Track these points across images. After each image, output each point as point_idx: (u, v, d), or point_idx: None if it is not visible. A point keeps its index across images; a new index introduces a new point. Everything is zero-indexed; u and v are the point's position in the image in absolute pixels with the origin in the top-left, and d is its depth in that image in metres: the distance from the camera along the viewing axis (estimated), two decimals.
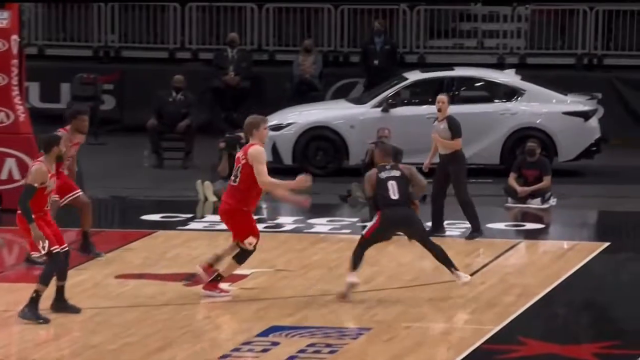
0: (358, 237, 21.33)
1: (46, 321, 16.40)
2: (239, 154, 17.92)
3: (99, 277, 18.65)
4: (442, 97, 21.85)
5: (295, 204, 18.98)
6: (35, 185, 16.46)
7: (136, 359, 15.14)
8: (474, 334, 16.49)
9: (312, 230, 22.10)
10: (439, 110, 21.61)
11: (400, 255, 20.17)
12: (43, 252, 16.54)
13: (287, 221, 22.96)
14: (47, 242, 16.36)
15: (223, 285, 18.06)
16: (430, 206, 21.39)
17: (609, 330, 17.15)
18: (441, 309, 17.76)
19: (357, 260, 18.00)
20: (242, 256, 17.90)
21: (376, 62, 29.52)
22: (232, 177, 17.83)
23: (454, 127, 21.34)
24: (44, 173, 16.56)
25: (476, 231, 21.28)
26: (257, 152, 17.72)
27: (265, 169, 17.62)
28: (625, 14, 30.54)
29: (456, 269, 18.07)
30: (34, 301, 16.42)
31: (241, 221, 17.77)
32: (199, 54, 31.57)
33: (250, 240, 17.85)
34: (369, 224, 18.52)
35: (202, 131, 28.00)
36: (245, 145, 17.96)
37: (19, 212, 16.59)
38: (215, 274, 17.93)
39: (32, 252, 17.65)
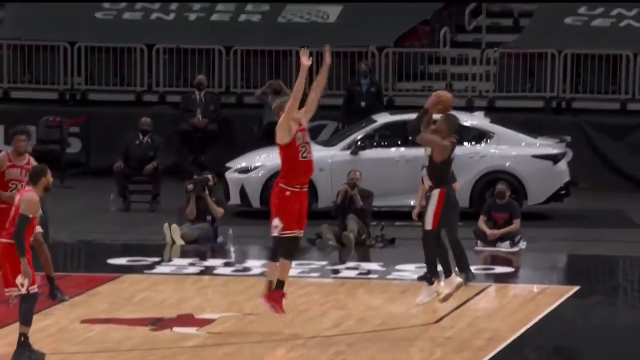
0: (326, 280, 21.44)
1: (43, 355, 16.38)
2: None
3: (65, 322, 18.57)
4: None
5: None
6: (30, 215, 16.37)
7: None
8: None
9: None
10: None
11: (369, 300, 20.15)
12: (22, 290, 16.38)
13: (255, 264, 22.90)
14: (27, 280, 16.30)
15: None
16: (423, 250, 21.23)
17: None
18: (410, 353, 17.74)
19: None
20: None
21: (363, 103, 29.51)
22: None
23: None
24: (37, 203, 16.46)
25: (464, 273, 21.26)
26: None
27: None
28: (594, 57, 30.65)
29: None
30: (24, 344, 16.32)
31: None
32: (166, 97, 31.58)
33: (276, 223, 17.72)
34: (428, 213, 18.36)
35: (169, 174, 28.01)
36: None
37: (5, 241, 16.48)
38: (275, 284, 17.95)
39: (7, 289, 17.33)
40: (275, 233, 17.77)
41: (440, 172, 18.46)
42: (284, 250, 17.95)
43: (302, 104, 17.99)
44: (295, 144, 17.87)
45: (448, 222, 18.48)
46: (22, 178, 19.72)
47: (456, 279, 18.42)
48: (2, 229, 18.71)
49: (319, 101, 18.22)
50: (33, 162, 19.74)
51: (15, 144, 19.72)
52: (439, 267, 18.59)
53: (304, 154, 17.88)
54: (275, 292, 18.01)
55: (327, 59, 18.38)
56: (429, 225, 18.29)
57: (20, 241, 16.25)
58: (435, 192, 18.32)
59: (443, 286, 18.46)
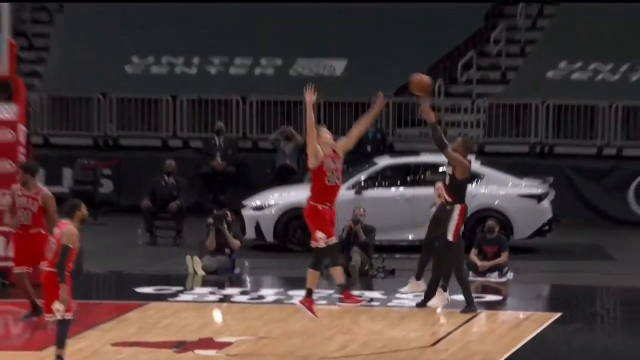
0: (333, 307, 21.31)
1: None
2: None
3: (97, 345, 18.47)
4: (441, 185, 21.87)
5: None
6: (71, 246, 16.26)
7: None
8: None
9: (292, 301, 21.91)
10: (438, 195, 21.54)
11: (372, 325, 20.04)
12: (57, 315, 16.31)
13: (269, 293, 22.82)
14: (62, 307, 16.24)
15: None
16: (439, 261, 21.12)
17: None
18: None
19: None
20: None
21: (369, 148, 29.41)
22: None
23: None
24: (77, 235, 16.37)
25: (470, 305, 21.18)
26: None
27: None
28: (573, 107, 30.59)
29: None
30: None
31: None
32: (189, 142, 31.54)
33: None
34: (450, 227, 18.15)
35: (191, 212, 27.91)
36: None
37: (47, 270, 16.35)
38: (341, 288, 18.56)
39: (47, 314, 17.19)
40: (322, 244, 18.07)
41: (460, 189, 18.55)
42: (331, 258, 18.45)
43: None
44: (323, 169, 18.05)
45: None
46: (30, 206, 19.82)
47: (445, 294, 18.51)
48: (21, 254, 18.81)
49: (359, 136, 18.61)
50: (45, 192, 19.78)
51: (20, 177, 20.02)
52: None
53: (330, 179, 18.10)
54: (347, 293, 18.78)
55: (379, 103, 18.84)
56: (450, 237, 18.32)
57: (61, 270, 16.17)
58: (457, 207, 18.42)
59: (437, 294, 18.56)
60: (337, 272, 18.58)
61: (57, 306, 16.27)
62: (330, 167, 18.09)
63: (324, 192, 18.15)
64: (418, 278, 20.82)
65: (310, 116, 17.99)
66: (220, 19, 33.28)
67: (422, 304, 20.99)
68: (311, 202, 18.14)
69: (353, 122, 30.34)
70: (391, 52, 32.22)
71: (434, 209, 21.50)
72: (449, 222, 18.46)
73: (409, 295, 21.74)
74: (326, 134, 18.34)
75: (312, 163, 18.07)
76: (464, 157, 18.73)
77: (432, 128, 19.00)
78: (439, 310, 20.57)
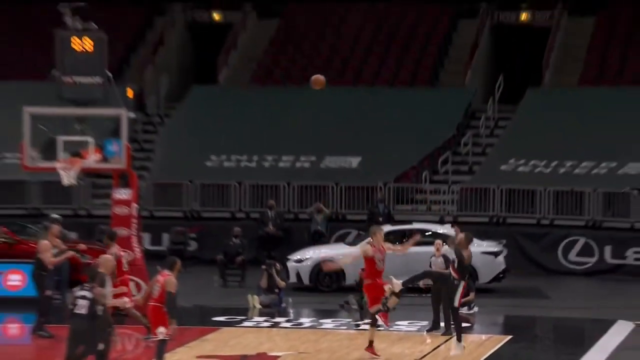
0: (351, 331, 21.22)
1: None
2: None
3: (185, 358, 18.43)
4: (439, 242, 22.00)
5: None
6: (173, 292, 16.11)
7: None
8: None
9: (322, 327, 21.91)
10: (437, 249, 21.58)
11: (378, 344, 19.83)
12: (160, 337, 16.14)
13: (305, 321, 22.75)
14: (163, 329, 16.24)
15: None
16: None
17: None
18: None
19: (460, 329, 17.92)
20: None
21: (381, 219, 29.11)
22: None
23: (448, 261, 21.22)
24: (175, 283, 16.24)
25: (436, 329, 21.01)
26: (362, 248, 18.67)
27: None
28: (519, 191, 30.45)
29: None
30: None
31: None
32: (250, 214, 31.51)
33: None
34: (457, 295, 18.15)
35: (251, 263, 27.81)
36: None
37: (153, 304, 16.20)
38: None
39: (153, 335, 16.98)
40: (374, 310, 18.53)
41: (465, 270, 18.40)
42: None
43: None
44: (374, 260, 18.51)
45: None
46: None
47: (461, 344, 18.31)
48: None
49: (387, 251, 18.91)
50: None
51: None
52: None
53: (379, 266, 18.55)
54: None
55: (409, 244, 19.70)
56: (456, 303, 18.20)
57: (173, 309, 16.12)
58: (462, 283, 18.23)
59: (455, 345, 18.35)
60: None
61: (161, 330, 16.28)
62: (378, 258, 18.53)
63: (374, 274, 18.53)
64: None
65: (344, 261, 19.11)
66: (270, 128, 33.47)
67: (430, 330, 20.87)
68: (369, 279, 18.57)
69: (364, 200, 30.86)
70: (391, 151, 32.22)
71: (433, 259, 21.45)
72: (455, 293, 18.33)
73: (405, 322, 21.64)
74: (380, 234, 18.83)
75: (364, 255, 18.53)
76: (466, 248, 18.65)
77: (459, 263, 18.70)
78: (428, 340, 20.27)
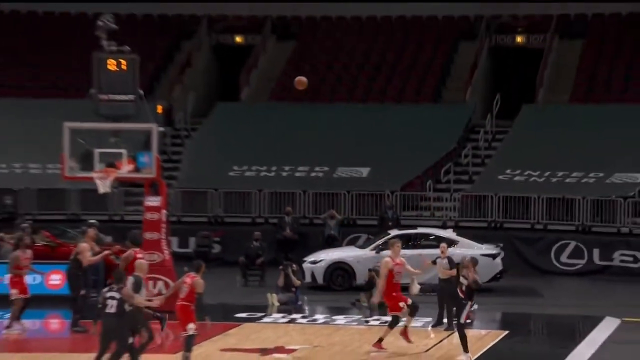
0: (361, 327, 21.21)
1: None
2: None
3: (210, 351, 18.49)
4: (444, 245, 21.95)
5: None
6: (201, 292, 16.32)
7: None
8: None
9: (334, 322, 21.92)
10: (442, 252, 21.50)
11: (387, 338, 19.89)
12: (190, 332, 16.34)
13: (319, 317, 22.74)
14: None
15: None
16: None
17: None
18: None
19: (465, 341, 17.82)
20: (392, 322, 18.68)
21: (390, 224, 29.10)
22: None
23: (452, 262, 21.24)
24: (202, 283, 16.41)
25: (440, 324, 21.00)
26: (384, 261, 18.87)
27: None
28: (515, 198, 30.37)
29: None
30: None
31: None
32: (269, 220, 31.52)
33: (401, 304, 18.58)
34: (463, 313, 18.10)
35: (270, 264, 27.84)
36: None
37: (181, 303, 16.29)
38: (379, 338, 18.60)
39: (182, 332, 17.03)
40: (397, 312, 18.70)
41: (473, 293, 18.33)
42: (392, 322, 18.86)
43: None
44: (393, 273, 18.73)
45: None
46: None
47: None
48: None
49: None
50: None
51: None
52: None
53: (396, 279, 18.76)
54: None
55: (424, 269, 20.45)
56: (462, 320, 18.14)
57: (199, 306, 16.32)
58: (469, 303, 18.19)
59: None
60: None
61: (191, 326, 16.36)
62: (397, 271, 18.73)
63: (393, 287, 18.72)
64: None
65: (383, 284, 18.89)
66: (287, 141, 33.48)
67: (434, 325, 20.84)
68: (388, 292, 18.69)
69: (372, 207, 30.85)
70: (398, 162, 32.20)
71: (439, 260, 21.37)
72: (462, 311, 18.20)
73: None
74: (398, 247, 19.18)
75: (383, 270, 18.79)
76: (474, 272, 18.54)
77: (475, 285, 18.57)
78: (432, 335, 20.23)
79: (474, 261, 18.66)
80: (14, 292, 20.06)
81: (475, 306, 23.47)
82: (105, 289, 15.94)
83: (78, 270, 20.29)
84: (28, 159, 32.52)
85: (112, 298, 15.64)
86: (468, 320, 18.38)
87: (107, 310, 15.60)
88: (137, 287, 16.10)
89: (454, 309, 18.86)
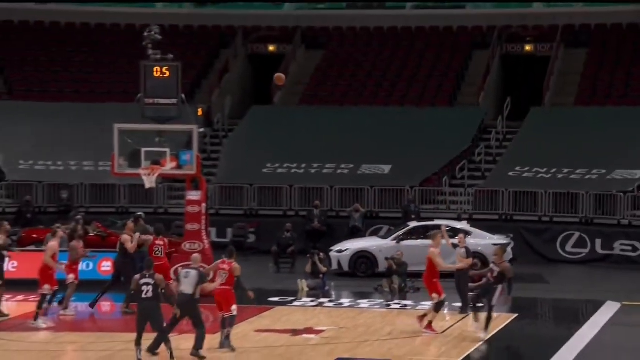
0: (383, 310, 21.20)
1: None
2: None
3: (246, 331, 18.53)
4: (462, 235, 21.82)
5: None
6: (239, 275, 16.59)
7: None
8: None
9: (359, 306, 21.93)
10: (460, 242, 21.36)
11: (406, 320, 19.80)
12: (233, 312, 16.62)
13: (345, 301, 22.75)
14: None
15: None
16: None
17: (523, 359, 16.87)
18: (430, 345, 17.50)
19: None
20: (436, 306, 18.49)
21: (413, 217, 28.83)
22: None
23: (469, 252, 21.19)
24: (240, 268, 16.72)
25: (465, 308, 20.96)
26: (430, 251, 18.92)
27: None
28: (524, 193, 30.16)
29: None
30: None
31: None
32: (299, 212, 31.49)
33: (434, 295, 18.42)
34: (495, 297, 18.03)
35: (300, 253, 27.81)
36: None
37: (221, 288, 16.52)
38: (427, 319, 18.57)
39: (221, 312, 17.08)
40: (436, 301, 18.60)
41: (503, 279, 18.23)
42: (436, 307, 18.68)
43: None
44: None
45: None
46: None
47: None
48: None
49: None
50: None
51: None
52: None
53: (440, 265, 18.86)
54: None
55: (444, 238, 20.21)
56: (494, 302, 18.09)
57: (239, 289, 16.63)
58: (500, 287, 18.10)
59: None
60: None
61: (233, 307, 16.50)
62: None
63: (436, 274, 18.82)
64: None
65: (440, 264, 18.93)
66: (316, 141, 33.39)
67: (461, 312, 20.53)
68: (430, 277, 18.75)
69: (393, 201, 30.78)
70: (417, 160, 32.09)
71: (458, 249, 21.23)
72: (493, 295, 18.13)
73: (428, 302, 21.49)
74: (439, 237, 19.19)
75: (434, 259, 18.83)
76: (503, 259, 18.45)
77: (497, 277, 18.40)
78: (448, 317, 20.15)
79: (503, 249, 18.62)
80: (70, 277, 20.22)
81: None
82: (138, 276, 16.01)
83: (124, 258, 20.53)
84: (82, 157, 32.70)
85: (147, 284, 15.74)
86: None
87: (144, 296, 15.70)
88: (202, 279, 16.23)
89: (479, 293, 18.64)
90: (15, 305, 20.59)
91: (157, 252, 20.53)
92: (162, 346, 15.91)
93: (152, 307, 15.73)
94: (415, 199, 30.43)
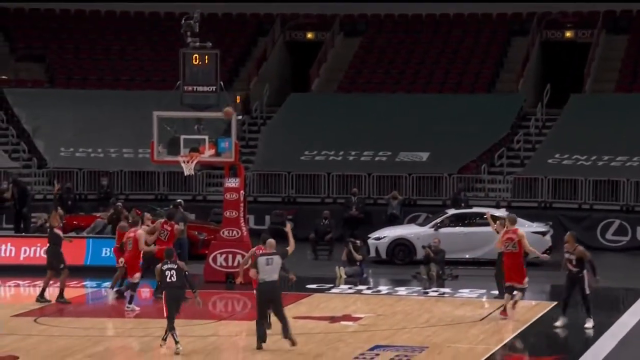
0: (421, 297, 21.15)
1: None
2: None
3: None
4: (500, 222, 21.19)
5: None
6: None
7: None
8: (483, 351, 16.17)
9: (397, 293, 21.90)
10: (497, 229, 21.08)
11: (444, 307, 19.76)
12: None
13: (383, 288, 22.74)
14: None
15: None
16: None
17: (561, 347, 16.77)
18: (469, 332, 17.43)
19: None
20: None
21: (462, 204, 28.50)
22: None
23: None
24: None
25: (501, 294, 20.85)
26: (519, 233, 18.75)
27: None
28: (563, 180, 30.04)
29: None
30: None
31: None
32: (337, 200, 31.47)
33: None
34: (585, 285, 17.88)
35: (338, 241, 27.82)
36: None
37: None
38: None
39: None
40: (525, 285, 18.52)
41: (583, 264, 18.08)
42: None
43: None
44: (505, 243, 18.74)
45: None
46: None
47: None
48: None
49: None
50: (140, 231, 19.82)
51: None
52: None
53: (508, 247, 18.71)
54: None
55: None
56: (587, 291, 17.97)
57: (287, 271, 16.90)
58: (585, 273, 17.98)
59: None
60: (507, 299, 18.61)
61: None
62: (510, 241, 18.55)
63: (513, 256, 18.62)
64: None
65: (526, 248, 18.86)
66: (354, 128, 33.33)
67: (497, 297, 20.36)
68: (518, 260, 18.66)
69: (431, 188, 30.66)
70: (455, 147, 31.93)
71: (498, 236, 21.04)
72: (583, 284, 18.04)
73: (467, 290, 21.44)
74: (510, 220, 19.07)
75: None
76: (576, 245, 18.28)
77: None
78: (486, 305, 20.03)
79: (573, 235, 18.40)
80: (121, 261, 20.44)
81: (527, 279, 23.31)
82: (159, 265, 16.22)
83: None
84: (122, 144, 32.89)
85: (170, 270, 15.94)
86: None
87: (169, 280, 15.89)
88: (284, 255, 16.51)
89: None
90: (54, 291, 20.72)
91: (162, 236, 20.54)
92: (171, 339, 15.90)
93: (177, 292, 15.88)
94: (465, 188, 30.21)
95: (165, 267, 15.99)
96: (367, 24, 38.53)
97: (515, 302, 18.50)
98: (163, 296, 16.16)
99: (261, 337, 16.02)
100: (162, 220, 20.92)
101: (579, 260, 17.93)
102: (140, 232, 19.84)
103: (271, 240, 16.57)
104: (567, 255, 18.09)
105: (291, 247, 16.49)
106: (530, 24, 36.65)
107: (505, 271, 18.72)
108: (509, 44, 37.15)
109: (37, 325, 18.02)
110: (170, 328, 15.79)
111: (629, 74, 35.19)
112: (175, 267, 15.97)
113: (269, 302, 16.04)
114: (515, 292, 18.47)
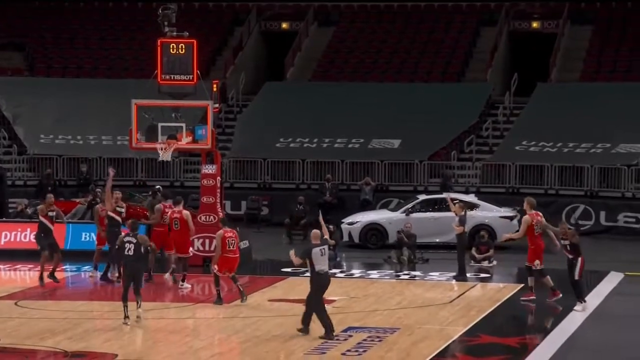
0: (392, 280, 21.18)
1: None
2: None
3: (260, 301, 18.62)
4: (459, 205, 21.58)
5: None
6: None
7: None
8: (452, 332, 16.23)
9: (369, 277, 21.93)
10: (455, 211, 21.23)
11: (415, 290, 19.85)
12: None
13: (356, 272, 22.76)
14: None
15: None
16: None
17: (529, 327, 16.87)
18: (438, 314, 17.48)
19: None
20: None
21: (450, 190, 28.07)
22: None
23: (462, 221, 21.15)
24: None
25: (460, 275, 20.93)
26: (525, 219, 18.56)
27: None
28: (530, 167, 30.16)
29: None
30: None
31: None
32: (311, 186, 31.42)
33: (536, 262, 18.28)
34: (576, 271, 17.88)
35: (312, 226, 27.62)
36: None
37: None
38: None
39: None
40: (538, 267, 18.49)
41: (578, 249, 18.06)
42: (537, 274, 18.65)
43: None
44: (533, 227, 18.56)
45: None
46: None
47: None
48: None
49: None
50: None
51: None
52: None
53: (536, 230, 18.56)
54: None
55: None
56: (576, 277, 17.98)
57: None
58: (579, 260, 17.97)
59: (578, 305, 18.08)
60: (548, 280, 18.60)
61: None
62: (538, 226, 18.50)
63: (534, 238, 18.51)
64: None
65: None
66: (327, 116, 33.29)
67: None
68: (531, 243, 18.43)
69: (403, 175, 30.69)
70: (426, 134, 32.01)
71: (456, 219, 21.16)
72: (575, 269, 18.02)
73: (436, 273, 21.51)
74: (530, 203, 18.84)
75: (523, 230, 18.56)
76: (567, 233, 18.28)
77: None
78: (456, 287, 20.16)
79: (564, 223, 18.74)
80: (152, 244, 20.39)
81: (494, 262, 23.46)
82: (122, 235, 16.34)
83: (112, 228, 20.55)
84: (101, 131, 32.70)
85: (130, 242, 15.96)
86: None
87: (127, 253, 15.85)
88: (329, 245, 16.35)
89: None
90: (35, 275, 20.57)
91: (165, 220, 20.49)
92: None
93: (133, 265, 15.76)
94: (410, 174, 30.30)
95: (126, 239, 15.94)
96: (340, 15, 38.46)
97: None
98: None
99: (329, 326, 15.69)
100: (165, 203, 20.75)
101: (574, 246, 18.03)
102: (187, 212, 19.90)
103: (316, 231, 16.22)
104: (562, 242, 18.21)
105: (327, 236, 16.13)
106: (499, 15, 36.73)
107: (539, 253, 18.55)
108: (478, 34, 37.21)
109: (18, 308, 17.92)
110: (124, 300, 15.73)
111: (593, 63, 35.36)
112: (135, 241, 15.87)
113: (324, 292, 15.82)
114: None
